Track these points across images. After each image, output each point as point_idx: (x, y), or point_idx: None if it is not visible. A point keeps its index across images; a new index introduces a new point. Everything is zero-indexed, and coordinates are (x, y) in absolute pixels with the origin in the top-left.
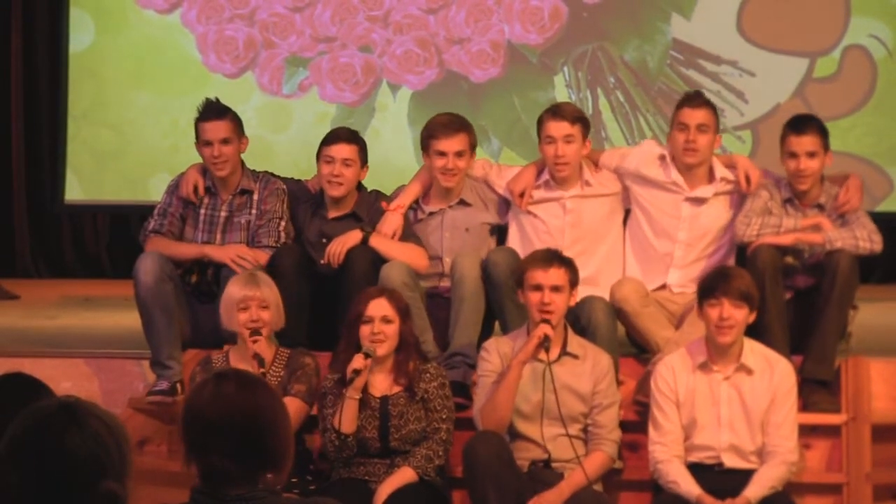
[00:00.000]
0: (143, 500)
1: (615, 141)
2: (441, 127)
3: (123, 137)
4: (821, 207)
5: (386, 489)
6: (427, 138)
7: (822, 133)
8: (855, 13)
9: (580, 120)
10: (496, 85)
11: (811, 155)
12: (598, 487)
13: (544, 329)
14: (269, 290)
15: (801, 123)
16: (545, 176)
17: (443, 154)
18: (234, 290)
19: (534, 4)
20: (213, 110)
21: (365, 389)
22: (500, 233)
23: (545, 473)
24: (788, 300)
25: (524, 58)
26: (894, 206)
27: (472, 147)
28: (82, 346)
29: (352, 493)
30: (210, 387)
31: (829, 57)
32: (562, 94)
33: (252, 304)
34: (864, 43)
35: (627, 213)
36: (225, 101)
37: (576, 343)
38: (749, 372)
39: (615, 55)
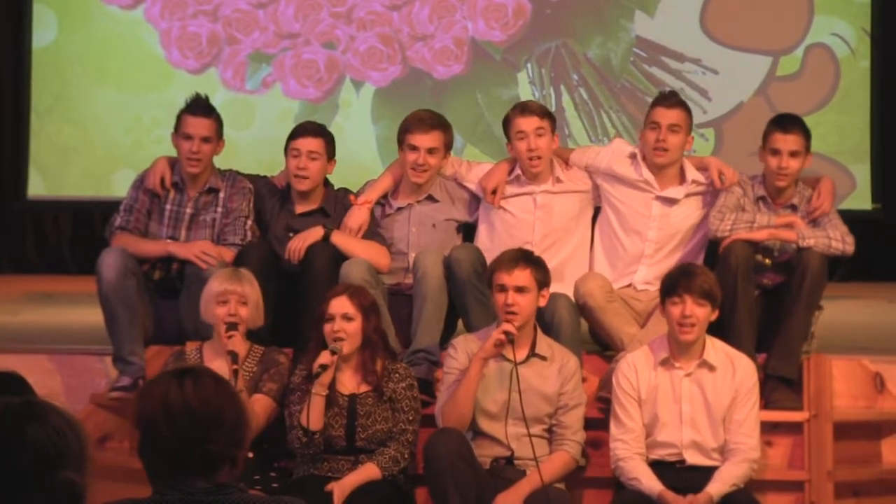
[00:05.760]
0: (105, 496)
1: (578, 138)
2: (417, 121)
3: (87, 133)
4: (794, 208)
5: (349, 483)
6: (403, 132)
7: (807, 134)
8: (818, 12)
9: (548, 115)
10: (460, 82)
11: (794, 154)
12: (560, 485)
13: (505, 328)
14: (250, 287)
15: (788, 122)
16: (517, 171)
17: (415, 149)
18: (215, 283)
19: (497, 1)
20: (200, 106)
21: (333, 387)
22: (466, 230)
23: (507, 470)
24: (756, 297)
25: (488, 55)
26: (857, 204)
27: (447, 147)
28: (44, 342)
29: (315, 490)
30: (158, 387)
31: (793, 55)
32: (525, 91)
33: (232, 298)
34: (827, 41)
35: (597, 211)
36: (188, 97)
37: (545, 344)
38: (711, 369)
39: (579, 52)
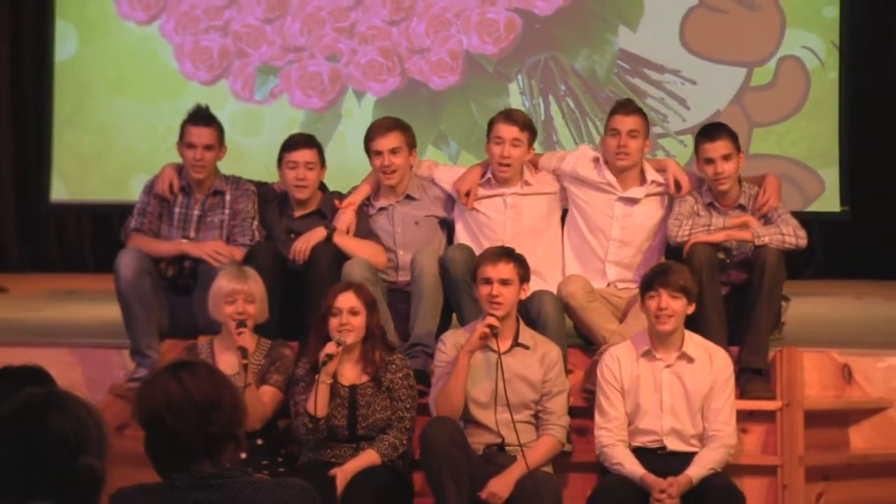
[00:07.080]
0: (123, 480)
1: (566, 145)
2: (375, 128)
3: (105, 141)
4: (742, 208)
5: (350, 469)
6: (366, 142)
7: (733, 136)
8: (790, 26)
9: (529, 128)
10: (455, 92)
11: (726, 158)
12: (547, 469)
13: (489, 321)
14: (255, 285)
15: (712, 130)
16: (488, 175)
17: (379, 153)
18: (223, 283)
19: (490, 17)
20: (202, 116)
21: (335, 379)
22: (448, 227)
23: (499, 456)
24: (726, 294)
25: (481, 67)
26: (826, 207)
27: (410, 145)
28: (66, 337)
29: (319, 474)
30: (158, 384)
31: (766, 67)
32: (516, 101)
33: (239, 297)
34: (798, 54)
35: (565, 213)
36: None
37: (527, 335)
38: (690, 360)
39: (566, 64)
